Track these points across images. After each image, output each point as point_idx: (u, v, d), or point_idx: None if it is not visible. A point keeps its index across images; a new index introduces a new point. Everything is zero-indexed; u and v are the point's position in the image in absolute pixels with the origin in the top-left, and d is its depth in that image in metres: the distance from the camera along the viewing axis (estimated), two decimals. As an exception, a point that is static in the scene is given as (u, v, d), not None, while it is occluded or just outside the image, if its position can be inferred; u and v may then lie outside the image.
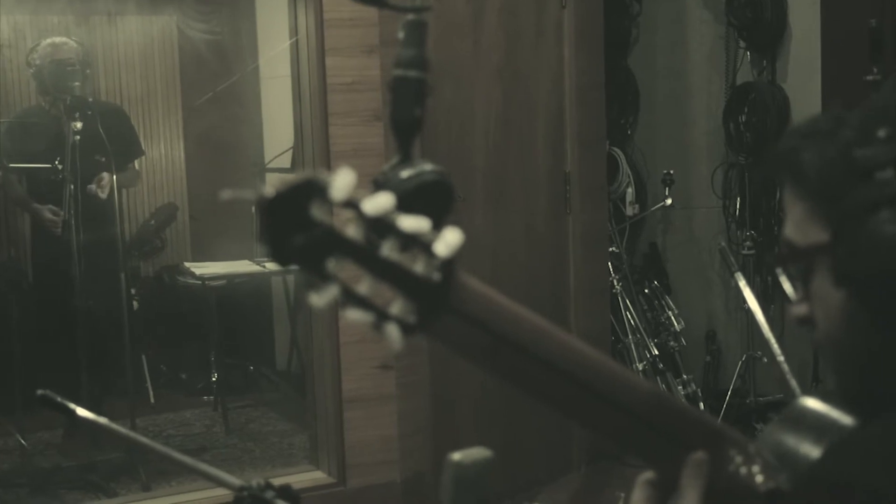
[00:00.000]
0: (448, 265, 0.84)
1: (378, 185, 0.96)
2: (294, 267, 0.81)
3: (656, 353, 4.78)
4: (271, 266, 5.29)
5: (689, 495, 0.93)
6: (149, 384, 5.24)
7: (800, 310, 0.98)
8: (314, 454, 3.93)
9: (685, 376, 4.82)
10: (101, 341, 4.41)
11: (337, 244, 0.81)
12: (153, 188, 6.13)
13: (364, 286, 0.83)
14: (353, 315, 0.83)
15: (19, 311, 4.58)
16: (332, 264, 0.81)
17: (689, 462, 0.93)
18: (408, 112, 0.97)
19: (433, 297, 0.84)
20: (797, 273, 0.98)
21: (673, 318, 4.93)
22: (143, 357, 5.24)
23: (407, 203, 0.84)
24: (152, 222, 5.78)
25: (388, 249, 0.82)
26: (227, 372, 5.39)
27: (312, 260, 0.80)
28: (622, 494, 4.01)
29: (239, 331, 5.72)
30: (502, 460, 1.23)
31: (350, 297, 0.83)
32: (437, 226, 0.85)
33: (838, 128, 0.94)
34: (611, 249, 4.72)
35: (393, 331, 0.84)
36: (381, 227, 0.82)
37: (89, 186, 4.26)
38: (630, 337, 4.76)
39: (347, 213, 0.81)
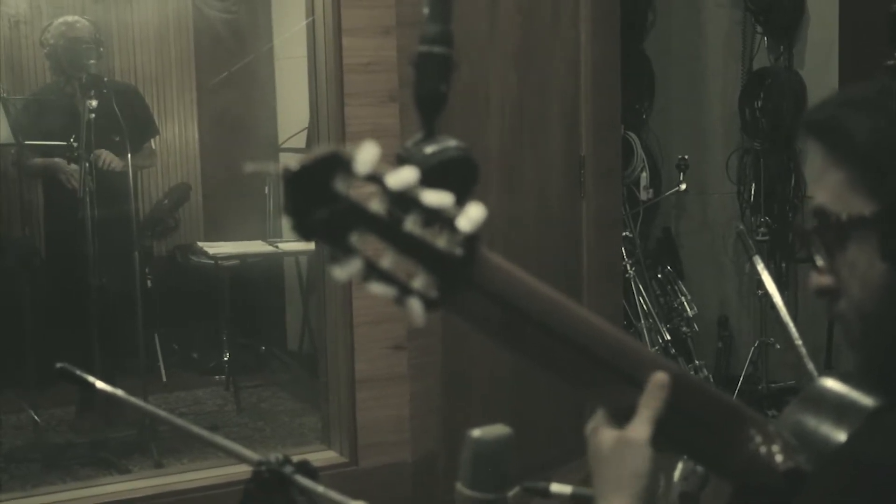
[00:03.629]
0: (471, 240, 0.84)
1: (402, 160, 0.96)
2: (317, 240, 0.81)
3: (668, 338, 4.78)
4: (284, 246, 5.31)
5: (643, 415, 0.94)
6: (161, 363, 5.27)
7: (823, 280, 0.96)
8: (326, 434, 3.94)
9: (697, 362, 4.82)
10: (114, 319, 4.43)
11: (360, 218, 0.81)
12: (167, 168, 6.14)
13: (387, 260, 0.83)
14: (376, 289, 0.83)
15: (32, 288, 4.60)
16: (355, 238, 0.81)
17: (650, 383, 0.93)
18: (432, 88, 0.97)
19: (455, 272, 0.84)
20: (826, 242, 0.95)
21: (685, 303, 4.93)
22: (156, 336, 5.26)
23: (430, 178, 0.84)
24: (166, 202, 5.79)
25: (411, 224, 0.82)
26: (238, 351, 5.41)
27: (336, 234, 0.81)
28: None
29: (251, 311, 5.74)
30: (514, 442, 1.23)
31: (373, 272, 0.83)
32: (460, 201, 0.85)
33: (888, 99, 0.92)
34: (624, 234, 4.71)
35: (415, 305, 0.84)
36: (404, 201, 0.82)
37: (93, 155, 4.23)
38: (642, 322, 4.76)
39: (371, 188, 0.81)
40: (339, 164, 0.80)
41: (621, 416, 0.96)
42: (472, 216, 0.84)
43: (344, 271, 0.82)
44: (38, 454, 4.24)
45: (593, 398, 0.97)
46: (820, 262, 0.96)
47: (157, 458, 4.07)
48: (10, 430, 4.60)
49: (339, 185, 0.80)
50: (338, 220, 0.80)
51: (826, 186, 0.94)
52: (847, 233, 0.92)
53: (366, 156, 0.80)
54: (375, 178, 0.81)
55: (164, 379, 5.22)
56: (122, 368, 4.65)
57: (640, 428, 0.94)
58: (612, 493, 0.95)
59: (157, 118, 5.62)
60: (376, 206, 0.81)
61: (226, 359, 5.31)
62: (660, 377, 0.93)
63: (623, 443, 0.95)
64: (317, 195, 0.80)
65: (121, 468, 4.03)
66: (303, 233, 0.81)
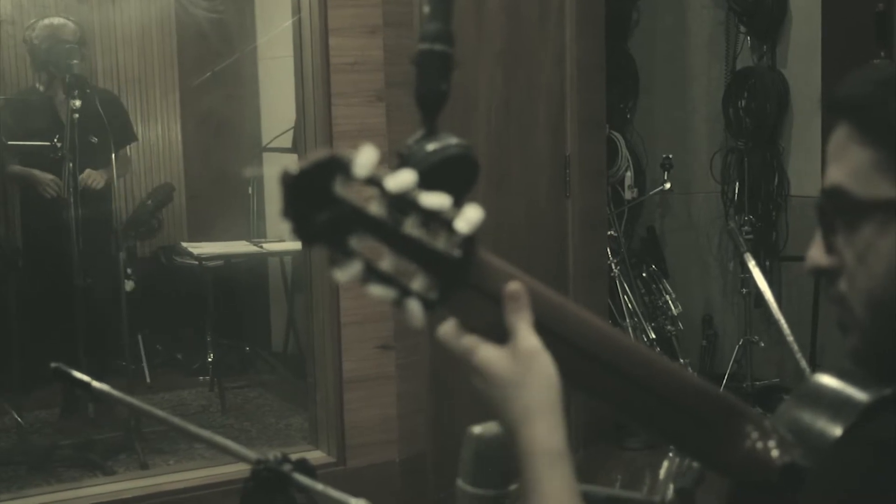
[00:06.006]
0: (469, 241, 0.85)
1: (403, 158, 0.97)
2: (317, 244, 0.81)
3: (653, 336, 4.80)
4: (268, 247, 5.30)
5: (520, 327, 0.89)
6: (145, 364, 5.23)
7: (823, 260, 0.93)
8: (314, 434, 3.94)
9: (682, 360, 4.84)
10: (98, 321, 4.41)
11: (360, 221, 0.81)
12: (150, 168, 6.11)
13: (386, 262, 0.83)
14: (376, 291, 0.84)
15: (15, 290, 4.57)
16: (354, 241, 0.81)
17: (506, 296, 0.89)
18: (433, 86, 0.97)
19: (454, 273, 0.85)
20: (835, 222, 0.92)
21: (670, 302, 4.95)
22: (140, 337, 5.23)
23: (431, 176, 0.85)
24: (149, 202, 5.76)
25: (409, 226, 0.83)
26: (223, 352, 5.39)
27: (336, 237, 0.81)
28: (619, 477, 4.03)
29: (235, 311, 5.72)
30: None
31: (372, 274, 0.83)
32: (460, 199, 0.86)
33: None
34: (609, 233, 4.72)
35: (414, 307, 0.85)
36: (403, 203, 0.82)
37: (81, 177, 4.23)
38: (627, 320, 4.78)
39: (369, 190, 0.82)
40: (338, 167, 0.80)
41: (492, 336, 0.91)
42: (469, 218, 0.85)
43: (344, 274, 0.82)
44: (22, 457, 4.21)
45: (597, 399, 0.96)
46: (821, 240, 0.93)
47: (143, 460, 4.05)
48: (-6, 433, 4.58)
49: (338, 189, 0.80)
50: (337, 223, 0.80)
51: (848, 165, 0.91)
52: (865, 214, 0.89)
53: (364, 159, 0.81)
54: (374, 181, 0.81)
55: (149, 380, 5.20)
56: (106, 369, 4.63)
57: (530, 337, 0.89)
58: (535, 412, 0.90)
59: (139, 118, 5.61)
60: (375, 208, 0.81)
61: (210, 360, 5.29)
62: (513, 288, 0.89)
63: (525, 356, 0.89)
64: (316, 199, 0.80)
65: (106, 470, 4.01)
66: (303, 237, 0.81)
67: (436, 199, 0.83)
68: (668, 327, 4.91)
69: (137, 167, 5.80)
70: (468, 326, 0.92)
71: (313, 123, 3.66)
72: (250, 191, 5.81)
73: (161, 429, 4.27)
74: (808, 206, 4.53)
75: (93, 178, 4.33)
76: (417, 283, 0.85)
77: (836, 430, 0.94)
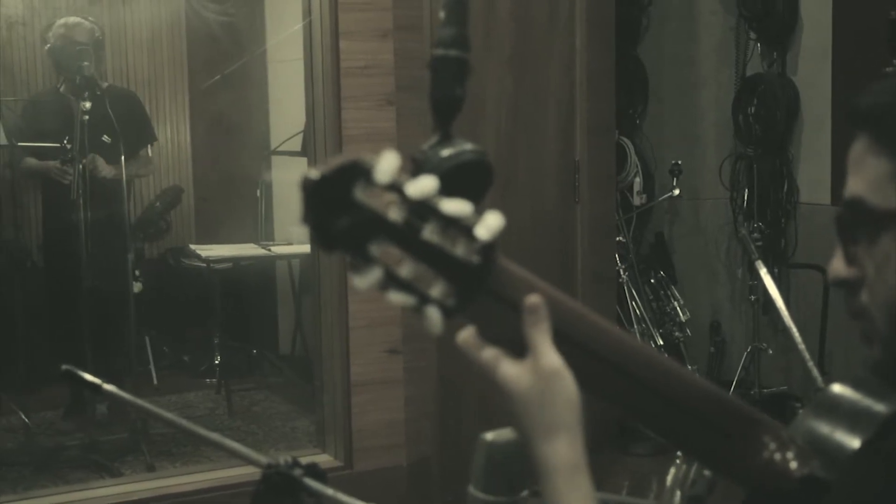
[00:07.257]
0: (489, 248, 0.84)
1: (417, 164, 0.96)
2: (337, 250, 0.81)
3: (661, 343, 4.79)
4: (276, 249, 5.31)
5: (541, 343, 0.89)
6: (152, 366, 5.23)
7: (844, 271, 0.93)
8: (321, 437, 3.94)
9: (689, 367, 4.83)
10: (106, 322, 4.41)
11: (380, 227, 0.81)
12: (158, 170, 6.11)
13: (405, 269, 0.83)
14: (395, 298, 0.83)
15: (23, 290, 4.57)
16: (374, 247, 0.81)
17: (525, 310, 0.88)
18: (448, 91, 0.97)
19: (473, 280, 0.85)
20: (855, 233, 0.92)
21: (678, 308, 4.94)
22: (147, 338, 5.24)
23: (446, 182, 0.84)
24: (157, 204, 5.77)
25: (429, 233, 0.82)
26: (230, 355, 5.39)
27: (356, 243, 0.81)
28: (626, 483, 4.02)
29: (243, 314, 5.72)
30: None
31: (392, 280, 0.83)
32: (476, 204, 0.85)
33: None
34: (617, 239, 4.72)
35: (433, 314, 0.84)
36: (423, 210, 0.82)
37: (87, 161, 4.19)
38: (635, 327, 4.77)
39: (390, 196, 0.81)
40: (359, 172, 0.80)
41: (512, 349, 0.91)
42: (490, 225, 0.84)
43: (363, 281, 0.82)
44: (29, 457, 4.22)
45: (615, 406, 0.96)
46: (842, 251, 0.93)
47: (150, 462, 4.05)
48: (1, 433, 4.58)
49: (359, 194, 0.80)
50: (358, 229, 0.80)
51: (866, 177, 0.91)
52: (883, 225, 0.89)
53: (386, 164, 0.80)
54: (395, 187, 0.81)
55: (156, 382, 5.19)
56: (113, 371, 4.63)
57: (551, 355, 0.89)
58: (555, 430, 0.90)
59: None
60: (395, 214, 0.81)
61: (217, 362, 5.29)
62: (532, 301, 0.88)
63: (547, 374, 0.89)
64: (337, 204, 0.80)
65: (113, 471, 4.02)
66: (323, 242, 0.81)
67: (457, 206, 0.83)
68: (676, 333, 4.90)
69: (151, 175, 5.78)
70: (487, 334, 0.91)
71: (323, 127, 3.67)
72: (258, 194, 5.82)
73: (168, 431, 4.27)
74: (818, 214, 4.53)
75: (96, 161, 4.28)
76: (437, 290, 0.84)
77: (855, 442, 0.93)
